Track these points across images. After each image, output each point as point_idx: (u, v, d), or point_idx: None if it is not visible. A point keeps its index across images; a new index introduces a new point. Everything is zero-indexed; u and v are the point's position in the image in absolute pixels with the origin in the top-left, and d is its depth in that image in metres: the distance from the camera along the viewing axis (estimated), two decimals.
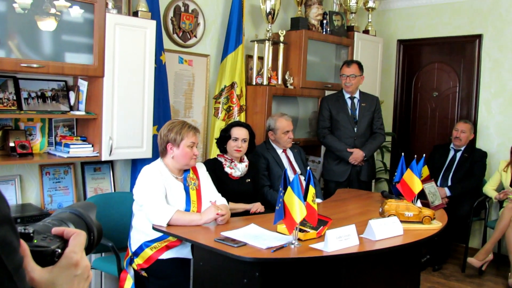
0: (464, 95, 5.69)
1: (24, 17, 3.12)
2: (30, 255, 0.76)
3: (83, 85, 3.62)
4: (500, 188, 4.95)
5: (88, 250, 0.90)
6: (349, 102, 4.73)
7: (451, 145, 5.25)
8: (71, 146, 3.47)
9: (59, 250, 0.81)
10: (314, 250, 2.57)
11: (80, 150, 3.52)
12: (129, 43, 3.62)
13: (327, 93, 5.07)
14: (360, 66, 4.71)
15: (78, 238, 0.84)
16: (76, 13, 3.34)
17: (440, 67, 5.89)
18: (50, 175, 3.66)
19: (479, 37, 5.49)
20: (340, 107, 4.71)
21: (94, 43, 3.44)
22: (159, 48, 3.94)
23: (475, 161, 5.10)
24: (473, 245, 5.25)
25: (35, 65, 3.16)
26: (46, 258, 0.79)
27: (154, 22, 3.77)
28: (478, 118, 5.53)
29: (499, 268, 4.89)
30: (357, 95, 4.76)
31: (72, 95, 3.65)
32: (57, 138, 3.63)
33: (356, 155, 4.61)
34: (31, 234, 0.78)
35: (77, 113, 3.57)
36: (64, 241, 0.83)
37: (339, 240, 2.59)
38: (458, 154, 5.19)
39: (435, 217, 3.17)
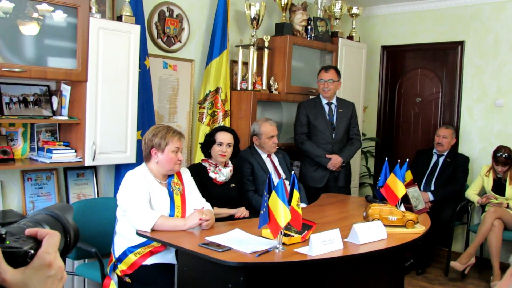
0: (447, 100, 5.75)
1: (6, 21, 3.09)
2: (2, 256, 0.75)
3: (66, 89, 3.59)
4: (482, 192, 5.01)
5: (65, 252, 0.89)
6: (326, 108, 4.74)
7: (434, 150, 5.31)
8: (54, 151, 3.44)
9: (32, 251, 0.80)
10: (298, 254, 2.58)
11: (62, 156, 3.48)
12: (113, 48, 3.60)
13: (311, 98, 5.09)
14: (337, 71, 4.73)
15: (51, 239, 0.84)
16: (59, 17, 3.31)
17: (423, 73, 5.95)
18: (32, 180, 3.62)
19: (461, 43, 5.57)
20: (317, 113, 4.71)
21: (78, 47, 3.41)
22: (143, 53, 3.93)
23: (458, 166, 5.16)
24: (456, 249, 5.30)
25: (17, 70, 3.13)
26: (18, 259, 0.78)
27: (138, 27, 3.76)
28: (461, 123, 5.60)
29: (481, 272, 4.94)
30: (334, 101, 4.76)
31: (55, 100, 3.62)
32: (40, 143, 3.59)
33: (335, 161, 4.61)
34: (3, 236, 0.78)
35: (60, 118, 3.54)
36: (37, 242, 0.82)
37: (324, 244, 2.60)
38: (441, 159, 5.24)
39: (418, 221, 3.19)
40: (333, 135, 4.69)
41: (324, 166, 4.64)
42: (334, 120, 4.72)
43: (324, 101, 4.74)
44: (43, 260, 0.81)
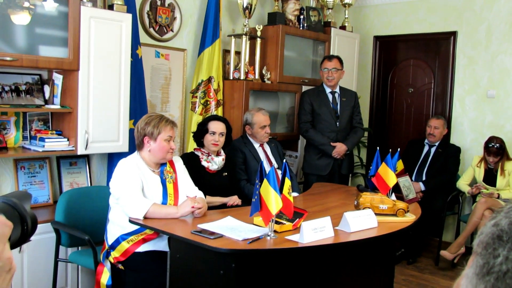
0: (439, 91, 5.78)
1: None
2: None
3: (58, 78, 3.58)
4: (473, 183, 5.05)
5: (22, 240, 0.87)
6: (330, 96, 4.78)
7: (426, 141, 5.34)
8: (46, 140, 3.44)
9: None
10: (289, 241, 2.60)
11: (55, 144, 3.49)
12: (105, 37, 3.59)
13: (304, 88, 5.11)
14: (340, 60, 4.77)
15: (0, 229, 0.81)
16: (50, 6, 3.30)
17: (415, 63, 5.97)
18: (25, 169, 3.62)
19: (453, 34, 5.58)
20: (322, 101, 4.75)
21: (69, 36, 3.40)
22: (135, 42, 3.92)
23: (449, 156, 5.19)
24: (446, 239, 5.34)
25: (8, 58, 3.12)
26: None
27: (130, 16, 3.75)
28: (452, 114, 5.63)
29: (466, 264, 4.98)
30: (337, 89, 4.82)
31: (47, 88, 3.61)
32: (32, 132, 3.59)
33: (340, 149, 4.66)
34: None
35: (52, 107, 3.54)
36: None
37: (315, 232, 2.62)
38: (433, 149, 5.27)
39: (408, 210, 3.22)
40: (337, 123, 4.74)
41: (328, 154, 4.68)
42: (338, 108, 4.77)
43: (328, 90, 4.78)
44: None
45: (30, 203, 0.92)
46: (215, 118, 3.89)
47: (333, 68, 4.68)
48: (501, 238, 0.65)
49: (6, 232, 0.81)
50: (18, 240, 0.86)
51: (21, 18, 3.20)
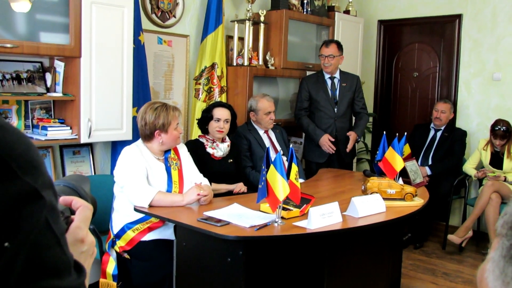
0: (444, 75, 5.71)
1: None
2: None
3: (59, 66, 3.53)
4: (480, 166, 5.01)
5: None
6: (329, 82, 4.72)
7: (432, 125, 5.29)
8: (49, 128, 3.40)
9: (65, 226, 0.76)
10: (297, 227, 2.57)
11: (58, 133, 3.44)
12: (106, 23, 3.53)
13: (308, 73, 5.05)
14: (339, 46, 4.67)
15: (83, 212, 0.80)
16: None
17: (420, 47, 5.90)
18: None
19: (458, 17, 5.50)
20: (319, 88, 4.69)
21: (70, 22, 3.35)
22: (137, 28, 3.86)
23: (455, 140, 5.15)
24: (453, 223, 5.32)
25: (9, 45, 3.07)
26: None
27: (131, 1, 3.69)
28: (458, 97, 5.57)
29: (478, 245, 4.97)
30: (337, 75, 4.74)
31: (48, 76, 3.56)
32: (34, 121, 3.54)
33: (352, 139, 4.61)
34: None
35: (54, 94, 3.49)
36: (66, 216, 0.78)
37: (322, 217, 2.59)
38: (439, 134, 5.23)
39: (417, 194, 3.19)
40: (335, 109, 4.67)
41: (316, 143, 4.63)
42: (336, 94, 4.70)
43: (327, 76, 4.71)
44: (75, 235, 0.78)
45: (89, 186, 0.90)
46: (220, 104, 3.84)
47: (329, 54, 4.59)
48: None
49: (89, 215, 0.82)
50: None
51: (21, 6, 3.14)
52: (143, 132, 3.04)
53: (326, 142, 4.57)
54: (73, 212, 0.80)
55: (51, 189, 0.64)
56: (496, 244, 0.66)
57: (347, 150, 4.63)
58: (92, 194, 0.89)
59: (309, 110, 4.73)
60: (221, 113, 3.69)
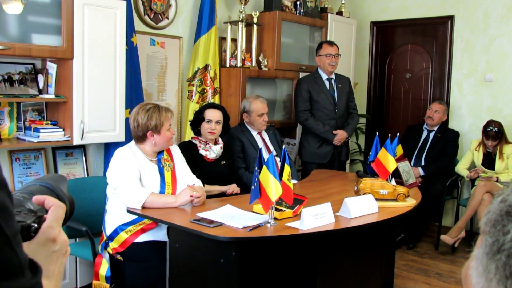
0: (437, 76, 5.74)
1: None
2: None
3: (52, 67, 3.53)
4: (472, 167, 5.03)
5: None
6: (327, 83, 4.74)
7: (424, 126, 5.32)
8: (41, 130, 3.39)
9: (35, 225, 0.76)
10: (290, 228, 2.57)
11: (50, 135, 3.43)
12: (99, 24, 3.53)
13: (301, 74, 5.06)
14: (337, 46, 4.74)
15: (55, 211, 0.80)
16: None
17: (413, 48, 5.93)
18: (20, 160, 3.57)
19: (451, 18, 5.53)
20: (319, 88, 4.69)
21: (62, 24, 3.34)
22: (130, 30, 3.85)
23: (448, 141, 5.17)
24: (446, 224, 5.34)
25: (0, 47, 3.06)
26: (22, 233, 0.74)
27: (124, 3, 3.69)
28: (450, 98, 5.60)
29: (471, 245, 4.87)
30: (333, 76, 4.76)
31: (40, 78, 3.55)
32: (26, 122, 3.53)
33: (341, 136, 4.64)
34: None
35: (46, 96, 3.49)
36: (39, 216, 0.78)
37: (315, 218, 2.59)
38: (431, 134, 5.25)
39: (409, 195, 3.20)
40: (336, 110, 4.69)
41: (328, 142, 4.64)
42: (335, 95, 4.72)
43: (325, 77, 4.72)
44: (47, 234, 0.78)
45: (66, 186, 0.90)
46: (212, 106, 3.84)
47: (336, 53, 4.64)
48: (509, 214, 0.62)
49: (61, 214, 0.81)
50: None
51: (13, 8, 3.13)
52: (135, 134, 3.04)
53: (344, 136, 4.66)
54: (41, 216, 0.80)
55: (4, 189, 0.64)
56: (480, 241, 0.67)
57: (337, 142, 4.64)
58: (70, 194, 0.89)
59: (311, 111, 4.74)
60: (212, 115, 3.69)
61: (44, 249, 0.77)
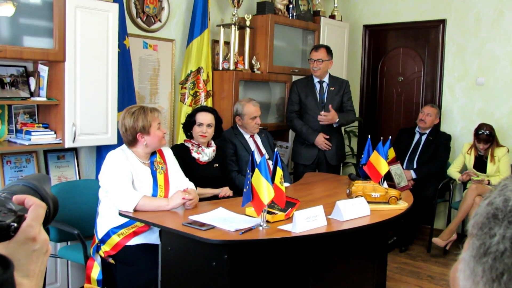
0: (429, 79, 5.77)
1: None
2: None
3: (43, 70, 3.51)
4: (464, 170, 5.06)
5: (44, 224, 0.85)
6: (317, 86, 4.75)
7: (417, 129, 5.34)
8: (33, 133, 3.37)
9: (15, 224, 0.76)
10: (282, 231, 2.57)
11: (42, 138, 3.42)
12: (91, 27, 3.52)
13: (294, 78, 5.07)
14: (328, 50, 4.71)
15: (35, 210, 0.80)
16: None
17: (405, 52, 5.95)
18: (11, 164, 3.56)
19: (442, 22, 5.56)
20: (308, 91, 4.73)
21: (54, 26, 3.33)
22: (123, 33, 3.85)
23: (440, 144, 5.20)
24: (438, 226, 5.36)
25: None
26: (1, 232, 0.74)
27: (116, 6, 3.68)
28: (442, 102, 5.62)
29: (462, 247, 5.00)
30: (326, 79, 4.78)
31: (32, 81, 3.54)
32: (18, 125, 3.52)
33: (329, 116, 4.53)
34: None
35: (38, 99, 3.47)
36: (19, 215, 0.78)
37: (307, 221, 2.60)
38: (423, 138, 5.27)
39: (401, 198, 3.21)
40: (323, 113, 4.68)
41: (311, 143, 4.65)
42: (324, 98, 4.73)
43: (316, 80, 4.75)
44: (27, 233, 0.78)
45: (50, 186, 0.90)
46: (204, 109, 3.84)
47: (318, 59, 4.63)
48: (496, 216, 0.62)
49: (42, 213, 0.81)
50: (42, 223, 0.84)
51: (5, 10, 3.12)
52: (125, 138, 3.03)
53: (322, 141, 4.64)
54: (21, 215, 0.80)
55: None
56: (467, 244, 0.67)
57: (319, 117, 4.56)
58: (53, 194, 0.89)
59: (299, 113, 4.76)
60: (203, 118, 3.69)
61: (24, 248, 0.77)
